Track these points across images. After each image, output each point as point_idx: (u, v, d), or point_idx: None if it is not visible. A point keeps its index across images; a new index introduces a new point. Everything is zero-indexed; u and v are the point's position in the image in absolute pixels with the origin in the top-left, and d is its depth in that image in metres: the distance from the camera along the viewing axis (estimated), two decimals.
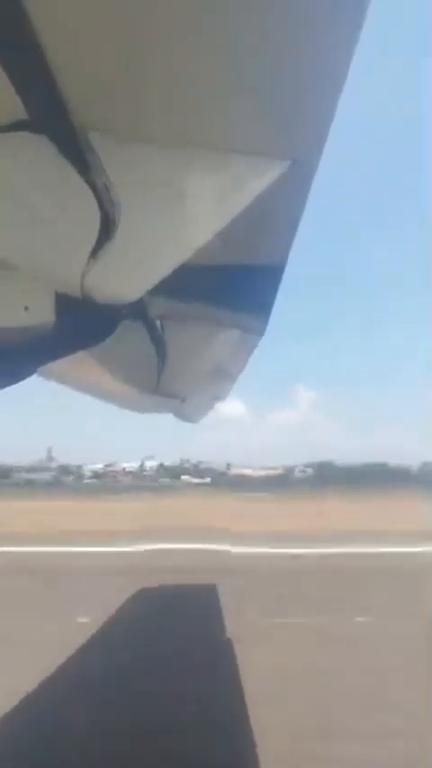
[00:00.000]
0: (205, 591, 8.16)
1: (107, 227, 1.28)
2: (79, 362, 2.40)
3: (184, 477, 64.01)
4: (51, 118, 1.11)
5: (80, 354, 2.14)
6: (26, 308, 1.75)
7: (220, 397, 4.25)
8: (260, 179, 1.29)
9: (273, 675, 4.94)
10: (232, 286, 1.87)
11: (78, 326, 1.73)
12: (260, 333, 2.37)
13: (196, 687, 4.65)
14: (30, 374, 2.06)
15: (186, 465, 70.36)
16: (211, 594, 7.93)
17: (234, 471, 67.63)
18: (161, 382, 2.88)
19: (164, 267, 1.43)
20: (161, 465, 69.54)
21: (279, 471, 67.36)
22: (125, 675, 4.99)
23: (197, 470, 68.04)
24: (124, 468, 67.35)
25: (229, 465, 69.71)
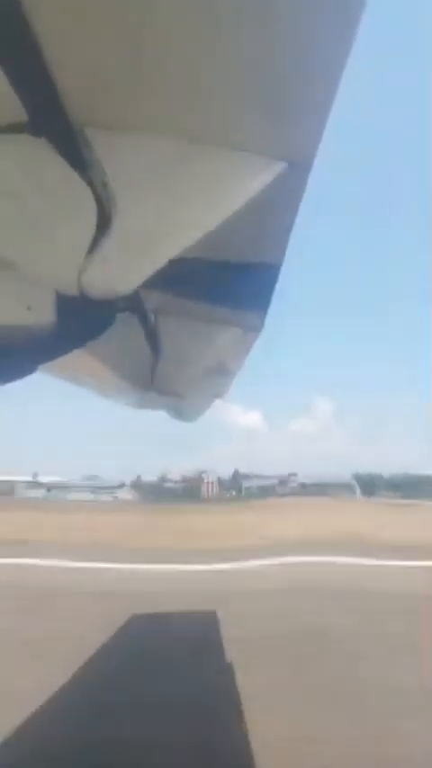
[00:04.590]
0: None
1: (104, 223, 1.29)
2: (75, 358, 2.40)
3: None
4: (48, 114, 1.12)
5: (77, 350, 2.14)
6: (29, 308, 1.76)
7: (218, 395, 4.25)
8: (257, 176, 1.30)
9: None
10: (229, 283, 1.88)
11: (75, 322, 1.74)
12: (257, 330, 2.38)
13: None
14: (29, 372, 2.06)
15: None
16: None
17: None
18: (158, 379, 2.89)
19: (159, 262, 1.44)
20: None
21: None
22: None
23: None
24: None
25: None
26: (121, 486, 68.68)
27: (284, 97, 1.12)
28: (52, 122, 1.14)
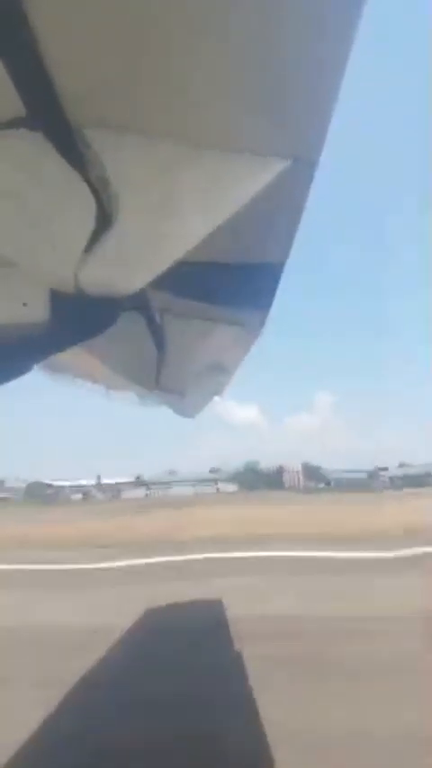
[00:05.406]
0: None
1: (105, 223, 1.28)
2: (78, 356, 2.40)
3: None
4: (48, 114, 1.11)
5: (79, 348, 2.14)
6: (25, 305, 1.76)
7: (217, 392, 4.26)
8: (259, 176, 1.28)
9: None
10: (232, 283, 1.87)
11: (77, 320, 1.73)
12: (259, 329, 2.38)
13: None
14: (29, 369, 2.06)
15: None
16: None
17: None
18: (160, 377, 2.89)
19: (161, 263, 1.43)
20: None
21: None
22: None
23: None
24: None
25: None
26: (218, 478, 71.07)
27: (287, 96, 1.11)
28: (52, 122, 1.13)
